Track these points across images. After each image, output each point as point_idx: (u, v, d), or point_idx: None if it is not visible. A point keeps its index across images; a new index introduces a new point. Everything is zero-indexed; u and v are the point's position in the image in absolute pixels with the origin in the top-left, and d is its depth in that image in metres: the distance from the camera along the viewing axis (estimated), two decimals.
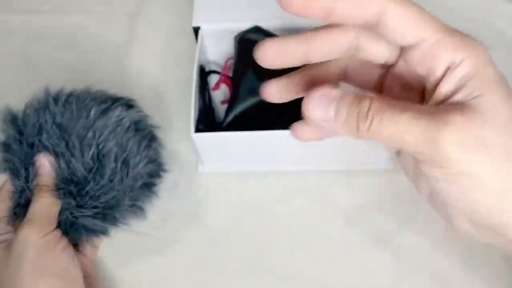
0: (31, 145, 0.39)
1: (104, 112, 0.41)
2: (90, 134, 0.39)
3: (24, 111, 0.41)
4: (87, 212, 0.39)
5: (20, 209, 0.39)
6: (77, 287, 0.38)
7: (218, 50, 0.51)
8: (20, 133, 0.40)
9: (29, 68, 0.57)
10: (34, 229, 0.37)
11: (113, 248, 0.46)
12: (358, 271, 0.44)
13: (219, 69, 0.51)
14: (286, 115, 0.47)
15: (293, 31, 0.48)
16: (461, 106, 0.23)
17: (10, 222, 0.40)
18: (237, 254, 0.45)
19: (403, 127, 0.22)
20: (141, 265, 0.45)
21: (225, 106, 0.47)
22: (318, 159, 0.47)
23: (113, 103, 0.43)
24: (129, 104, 0.44)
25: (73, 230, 0.40)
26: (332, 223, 0.46)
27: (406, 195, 0.47)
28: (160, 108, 0.51)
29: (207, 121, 0.47)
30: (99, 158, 0.39)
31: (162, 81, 0.55)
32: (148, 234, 0.46)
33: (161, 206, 0.47)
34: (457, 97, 0.23)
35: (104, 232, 0.41)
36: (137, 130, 0.43)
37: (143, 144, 0.43)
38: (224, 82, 0.50)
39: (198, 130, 0.43)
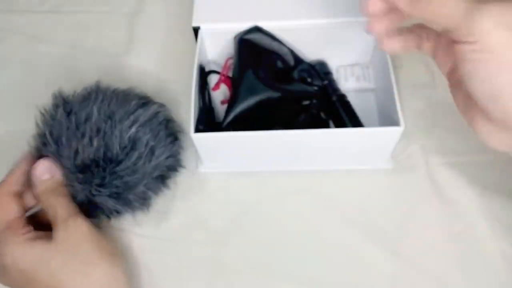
0: (78, 120, 0.44)
1: (144, 105, 0.46)
2: (131, 118, 0.44)
3: (76, 93, 0.47)
4: (106, 191, 0.42)
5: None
6: None
7: (218, 50, 0.51)
8: (69, 108, 0.45)
9: (29, 68, 0.58)
10: (86, 220, 0.40)
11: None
12: (357, 271, 0.44)
13: (219, 69, 0.51)
14: (286, 115, 0.47)
15: (293, 31, 0.48)
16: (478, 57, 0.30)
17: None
18: (236, 254, 0.45)
19: (448, 2, 0.30)
20: (141, 265, 0.45)
21: (225, 106, 0.47)
22: (318, 159, 0.47)
23: (151, 101, 0.48)
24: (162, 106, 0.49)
25: (90, 208, 0.44)
26: (332, 223, 0.46)
27: (406, 195, 0.47)
28: None
29: (207, 121, 0.47)
30: (134, 140, 0.44)
31: (161, 81, 0.55)
32: (148, 234, 0.46)
33: (161, 206, 0.47)
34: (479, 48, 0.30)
35: (117, 212, 0.44)
36: (166, 127, 0.47)
37: (169, 139, 0.47)
38: (224, 82, 0.50)
39: (198, 130, 0.43)
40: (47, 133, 0.45)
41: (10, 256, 0.38)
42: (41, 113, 0.45)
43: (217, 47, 0.50)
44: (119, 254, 0.41)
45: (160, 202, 0.47)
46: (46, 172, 0.41)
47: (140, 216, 0.45)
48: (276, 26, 0.48)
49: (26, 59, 0.58)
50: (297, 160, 0.48)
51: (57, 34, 0.60)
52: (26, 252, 0.38)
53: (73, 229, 0.39)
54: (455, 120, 0.49)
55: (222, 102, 0.50)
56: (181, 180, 0.49)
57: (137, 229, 0.47)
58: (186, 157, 0.50)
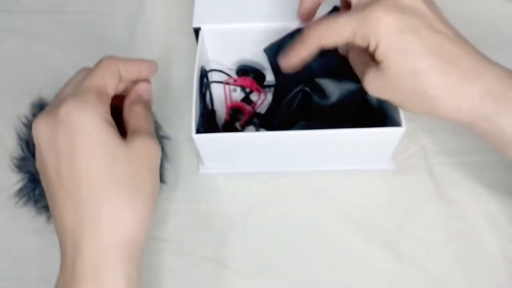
0: None
1: None
2: None
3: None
4: None
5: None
6: None
7: (219, 50, 0.51)
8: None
9: (29, 68, 0.57)
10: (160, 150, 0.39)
11: None
12: (358, 272, 0.44)
13: (219, 68, 0.51)
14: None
15: (290, 31, 0.48)
16: (377, 65, 0.37)
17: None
18: (237, 255, 0.45)
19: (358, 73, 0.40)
20: (141, 266, 0.45)
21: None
22: (318, 160, 0.47)
23: None
24: None
25: None
26: (333, 223, 0.46)
27: (407, 196, 0.47)
28: (160, 109, 0.51)
29: (208, 124, 0.48)
30: None
31: (162, 82, 0.55)
32: (148, 235, 0.46)
33: (161, 207, 0.47)
34: (376, 59, 0.37)
35: None
36: None
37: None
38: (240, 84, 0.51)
39: (199, 132, 0.43)
40: (23, 146, 0.44)
41: (82, 117, 0.33)
42: (21, 122, 0.45)
43: (218, 48, 0.50)
44: (156, 197, 0.37)
45: (160, 203, 0.47)
46: (147, 92, 0.40)
47: None
48: (276, 27, 0.47)
49: (26, 59, 0.58)
50: (298, 161, 0.48)
51: (57, 34, 0.60)
52: (99, 127, 0.33)
53: (150, 147, 0.36)
54: None
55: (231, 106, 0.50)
56: (181, 181, 0.49)
57: None
58: (187, 158, 0.50)
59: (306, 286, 0.44)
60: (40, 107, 0.47)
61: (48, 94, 0.52)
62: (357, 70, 0.40)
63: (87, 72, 0.38)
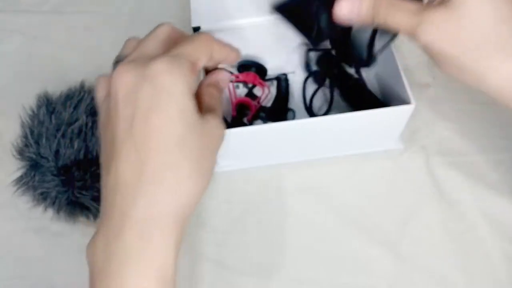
0: (59, 120, 0.44)
1: None
2: None
3: (61, 93, 0.47)
4: (88, 194, 0.42)
5: None
6: None
7: None
8: (52, 108, 0.45)
9: (29, 68, 0.57)
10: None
11: None
12: (359, 272, 0.44)
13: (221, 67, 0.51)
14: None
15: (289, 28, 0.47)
16: (440, 5, 0.32)
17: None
18: (238, 254, 0.45)
19: (398, 20, 0.35)
20: None
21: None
22: (329, 146, 0.47)
23: None
24: None
25: (77, 208, 0.44)
26: (333, 223, 0.46)
27: (407, 196, 0.47)
28: None
29: None
30: None
31: None
32: None
33: None
34: None
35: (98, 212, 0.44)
36: None
37: None
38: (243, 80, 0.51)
39: None
40: (28, 133, 0.45)
41: (173, 80, 0.31)
42: (26, 113, 0.45)
43: None
44: (211, 178, 0.35)
45: None
46: (224, 82, 0.39)
47: None
48: (273, 20, 0.47)
49: (26, 59, 0.58)
50: (308, 149, 0.48)
51: (57, 34, 0.60)
52: (185, 96, 0.31)
53: (221, 129, 0.35)
54: (456, 120, 0.49)
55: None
56: None
57: None
58: None
59: (306, 286, 0.44)
60: (45, 99, 0.47)
61: (49, 93, 0.52)
62: (398, 16, 0.35)
63: (172, 31, 0.36)
